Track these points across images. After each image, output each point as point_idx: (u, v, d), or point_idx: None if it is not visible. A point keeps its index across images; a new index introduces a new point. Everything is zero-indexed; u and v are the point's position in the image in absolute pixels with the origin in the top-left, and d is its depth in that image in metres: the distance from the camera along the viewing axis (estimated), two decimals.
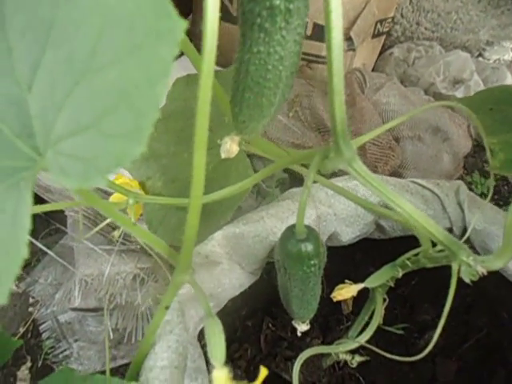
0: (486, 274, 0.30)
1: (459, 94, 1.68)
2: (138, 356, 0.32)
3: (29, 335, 1.09)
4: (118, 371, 1.02)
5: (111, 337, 0.89)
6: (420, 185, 0.52)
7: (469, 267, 0.31)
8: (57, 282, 1.04)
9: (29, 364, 1.05)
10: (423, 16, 1.87)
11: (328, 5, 0.23)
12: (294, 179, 1.23)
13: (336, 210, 0.47)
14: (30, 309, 1.10)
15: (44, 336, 1.07)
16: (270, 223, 0.41)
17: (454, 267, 0.32)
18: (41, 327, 1.06)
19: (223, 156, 0.34)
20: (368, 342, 0.48)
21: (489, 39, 1.95)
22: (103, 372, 1.00)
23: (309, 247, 0.33)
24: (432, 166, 1.43)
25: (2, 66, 0.18)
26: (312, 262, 0.33)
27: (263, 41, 0.24)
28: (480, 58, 1.97)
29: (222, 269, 0.39)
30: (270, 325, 0.53)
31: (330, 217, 0.46)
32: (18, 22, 0.18)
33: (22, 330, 1.09)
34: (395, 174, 1.36)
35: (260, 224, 0.41)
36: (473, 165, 1.67)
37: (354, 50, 1.53)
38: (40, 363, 1.04)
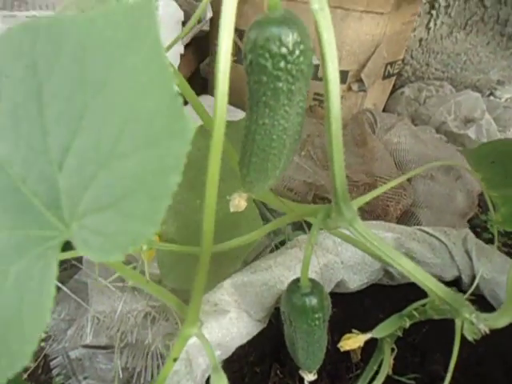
0: (488, 332, 0.30)
1: (471, 132, 1.70)
2: None
3: (39, 371, 1.09)
4: None
5: (121, 376, 0.89)
6: (427, 233, 0.53)
7: (471, 325, 0.31)
8: (70, 317, 1.05)
9: None
10: (433, 57, 1.92)
11: (326, 76, 0.25)
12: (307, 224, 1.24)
13: (343, 258, 0.48)
14: (42, 344, 1.11)
15: (54, 372, 1.07)
16: (277, 272, 0.43)
17: (458, 323, 0.33)
18: (52, 363, 1.07)
19: (232, 210, 0.36)
20: None
21: (499, 79, 1.98)
22: None
23: (313, 301, 0.34)
24: (445, 204, 1.42)
25: (38, 148, 0.21)
26: (316, 316, 0.34)
27: (268, 115, 0.26)
28: (491, 97, 1.99)
29: (231, 318, 0.40)
30: (278, 372, 0.53)
31: (337, 265, 0.47)
32: (54, 109, 0.21)
33: (33, 365, 1.09)
34: (408, 212, 1.36)
35: (268, 272, 0.42)
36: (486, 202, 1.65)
37: (364, 90, 1.57)
38: None
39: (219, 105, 0.23)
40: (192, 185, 0.57)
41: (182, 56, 1.39)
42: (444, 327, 0.61)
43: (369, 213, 1.20)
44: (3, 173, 0.21)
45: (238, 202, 0.35)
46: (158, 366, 0.91)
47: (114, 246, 0.18)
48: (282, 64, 0.24)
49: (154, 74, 0.18)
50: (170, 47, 0.35)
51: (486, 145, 0.50)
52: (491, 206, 0.41)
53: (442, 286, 0.31)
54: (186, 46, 1.47)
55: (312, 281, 0.35)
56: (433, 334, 0.59)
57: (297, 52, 0.23)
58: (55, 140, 0.21)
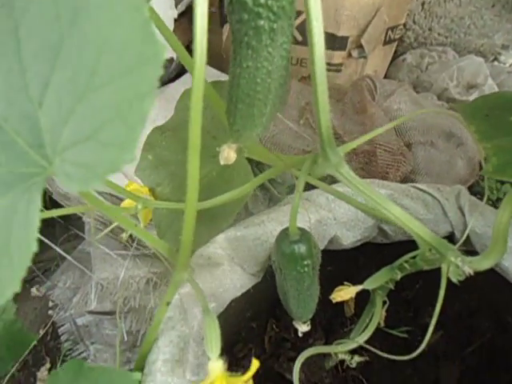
0: (472, 274, 0.31)
1: (473, 98, 1.67)
2: (143, 350, 0.34)
3: (48, 337, 1.13)
4: None
5: (125, 340, 0.92)
6: (421, 189, 0.53)
7: (457, 268, 0.32)
8: (75, 285, 1.08)
9: (48, 365, 1.09)
10: (436, 22, 1.87)
11: (309, 16, 0.25)
12: (305, 185, 1.24)
13: (336, 215, 0.48)
14: (50, 312, 1.14)
15: (62, 338, 1.11)
16: (270, 226, 0.43)
17: (444, 268, 0.33)
18: (60, 330, 1.10)
19: (222, 163, 0.36)
20: (371, 344, 0.49)
21: (504, 43, 1.92)
22: None
23: (302, 248, 0.34)
24: (445, 171, 1.41)
25: (18, 86, 0.21)
26: (305, 263, 0.35)
27: (251, 57, 0.26)
28: (495, 63, 1.95)
29: (224, 270, 0.41)
30: (274, 326, 0.55)
31: (330, 221, 0.48)
32: (31, 46, 0.21)
33: (41, 332, 1.13)
34: (407, 179, 1.36)
35: (260, 227, 0.43)
36: None
37: (365, 57, 1.54)
38: (59, 364, 1.08)
39: (198, 63, 0.22)
40: (186, 146, 0.57)
41: (178, 25, 1.36)
42: (436, 283, 0.62)
43: None
44: None
45: (228, 154, 0.35)
46: None
47: (94, 175, 0.18)
48: (263, 0, 0.23)
49: (126, 1, 0.18)
50: None
51: (480, 98, 0.49)
52: (483, 157, 0.41)
53: (428, 231, 0.31)
54: (182, 14, 1.44)
55: (301, 229, 0.35)
56: (425, 290, 0.60)
57: None
58: (34, 76, 0.21)
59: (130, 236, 1.00)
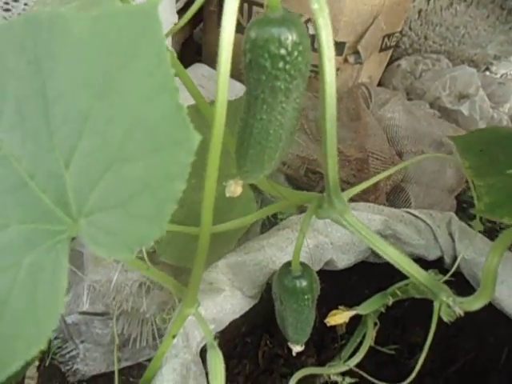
0: (462, 315, 0.33)
1: (464, 109, 1.70)
2: (146, 376, 0.35)
3: None
4: (121, 372, 1.06)
5: (117, 342, 0.93)
6: (413, 215, 0.55)
7: (448, 307, 0.34)
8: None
9: (36, 363, 1.09)
10: (431, 29, 1.89)
11: (321, 60, 0.26)
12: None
13: (333, 239, 0.50)
14: None
15: (52, 336, 1.11)
16: (270, 252, 0.45)
17: (436, 306, 0.35)
18: None
19: (228, 195, 0.37)
20: (360, 361, 0.51)
21: (496, 54, 1.96)
22: (108, 373, 1.04)
23: (303, 283, 0.36)
24: (435, 180, 1.45)
25: (45, 146, 0.22)
26: (306, 297, 0.37)
27: (265, 111, 0.27)
28: (487, 73, 1.98)
29: (225, 295, 0.43)
30: (268, 342, 0.57)
31: (326, 245, 0.49)
32: (59, 109, 0.22)
33: None
34: (397, 188, 1.39)
35: (261, 253, 0.44)
36: None
37: (361, 63, 1.55)
38: (47, 362, 1.08)
39: (220, 97, 0.23)
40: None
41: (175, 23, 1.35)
42: (424, 304, 0.64)
43: None
44: (12, 168, 0.22)
45: (234, 189, 0.36)
46: (153, 333, 0.95)
47: (122, 245, 0.19)
48: (281, 64, 0.24)
49: (159, 82, 0.19)
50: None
51: (475, 132, 0.51)
52: (475, 195, 0.43)
53: (423, 271, 0.33)
54: (180, 12, 1.43)
55: (302, 264, 0.37)
56: (413, 309, 0.63)
57: (295, 53, 0.24)
58: (61, 139, 0.21)
59: None
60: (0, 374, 0.20)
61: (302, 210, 0.96)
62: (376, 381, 0.44)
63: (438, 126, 1.55)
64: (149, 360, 1.06)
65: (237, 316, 0.45)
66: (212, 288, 0.42)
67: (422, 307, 0.66)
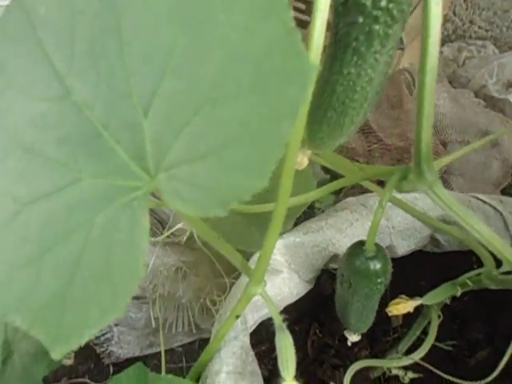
0: None
1: None
2: (203, 359, 0.33)
3: None
4: (154, 357, 1.06)
5: (153, 325, 0.93)
6: (482, 200, 0.50)
7: None
8: None
9: None
10: (477, 14, 1.78)
11: (426, 30, 0.22)
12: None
13: (393, 223, 0.46)
14: None
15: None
16: (329, 234, 0.42)
17: None
18: None
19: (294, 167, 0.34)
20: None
21: None
22: (142, 357, 1.03)
23: (377, 265, 0.33)
24: (480, 172, 1.37)
25: (121, 91, 0.19)
26: (379, 280, 0.33)
27: (355, 63, 0.24)
28: None
29: (283, 278, 0.40)
30: (317, 331, 0.54)
31: (387, 229, 0.46)
32: (137, 48, 0.19)
33: None
34: (440, 179, 1.32)
35: (319, 234, 0.41)
36: None
37: (402, 48, 1.48)
38: (83, 344, 1.10)
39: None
40: None
41: None
42: (487, 297, 0.60)
43: None
44: (83, 117, 0.20)
45: (301, 160, 0.33)
46: (188, 318, 0.94)
47: (214, 200, 0.16)
48: (384, 3, 0.21)
49: (263, 2, 0.16)
50: None
51: None
52: None
53: None
54: None
55: (376, 245, 0.33)
56: (475, 303, 0.58)
57: None
58: (139, 82, 0.19)
59: (160, 223, 0.99)
60: (72, 341, 0.18)
61: (337, 199, 0.92)
62: (445, 375, 0.40)
63: (483, 115, 1.47)
64: (181, 346, 1.06)
65: (293, 300, 0.42)
66: (270, 269, 0.40)
67: (484, 301, 0.61)
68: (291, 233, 0.42)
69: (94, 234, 0.19)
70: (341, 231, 0.42)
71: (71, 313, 0.18)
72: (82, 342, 0.18)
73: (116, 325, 1.15)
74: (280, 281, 0.40)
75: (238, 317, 0.30)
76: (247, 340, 0.35)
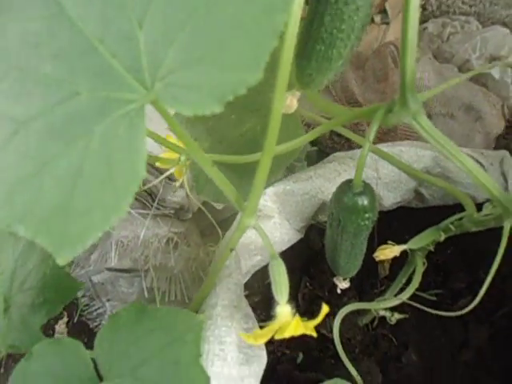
0: None
1: (495, 72, 1.62)
2: (199, 296, 0.34)
3: None
4: None
5: (146, 295, 0.94)
6: (465, 154, 0.52)
7: None
8: (92, 242, 1.09)
9: (66, 319, 1.11)
10: None
11: None
12: (322, 153, 1.23)
13: (380, 175, 0.48)
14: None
15: (79, 294, 1.12)
16: (318, 182, 0.43)
17: (506, 225, 0.33)
18: None
19: (283, 111, 0.35)
20: (403, 304, 0.49)
21: None
22: None
23: (365, 200, 0.34)
24: (463, 144, 1.40)
25: (115, 3, 0.20)
26: (367, 215, 0.35)
27: None
28: None
29: (275, 222, 0.41)
30: (308, 284, 0.55)
31: (374, 180, 0.47)
32: None
33: None
34: None
35: (309, 183, 0.43)
36: (504, 146, 1.62)
37: (387, 23, 1.48)
38: (76, 319, 1.11)
39: None
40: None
41: None
42: (467, 250, 0.62)
43: None
44: (78, 31, 0.20)
45: (290, 102, 0.34)
46: (181, 289, 0.95)
47: (212, 97, 0.17)
48: None
49: None
50: None
51: None
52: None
53: (497, 185, 0.31)
54: None
55: (363, 182, 0.35)
56: (456, 256, 0.60)
57: None
58: None
59: (150, 195, 0.99)
60: (77, 245, 0.19)
61: None
62: (432, 310, 0.42)
63: (467, 89, 1.49)
64: None
65: (284, 248, 0.43)
66: (261, 215, 0.41)
67: (465, 253, 0.64)
68: (281, 182, 0.43)
69: (93, 143, 0.19)
70: (329, 180, 0.43)
71: (75, 219, 0.19)
72: (87, 245, 0.19)
73: (108, 300, 1.16)
74: (272, 225, 0.41)
75: (232, 250, 0.31)
76: (241, 278, 0.36)
